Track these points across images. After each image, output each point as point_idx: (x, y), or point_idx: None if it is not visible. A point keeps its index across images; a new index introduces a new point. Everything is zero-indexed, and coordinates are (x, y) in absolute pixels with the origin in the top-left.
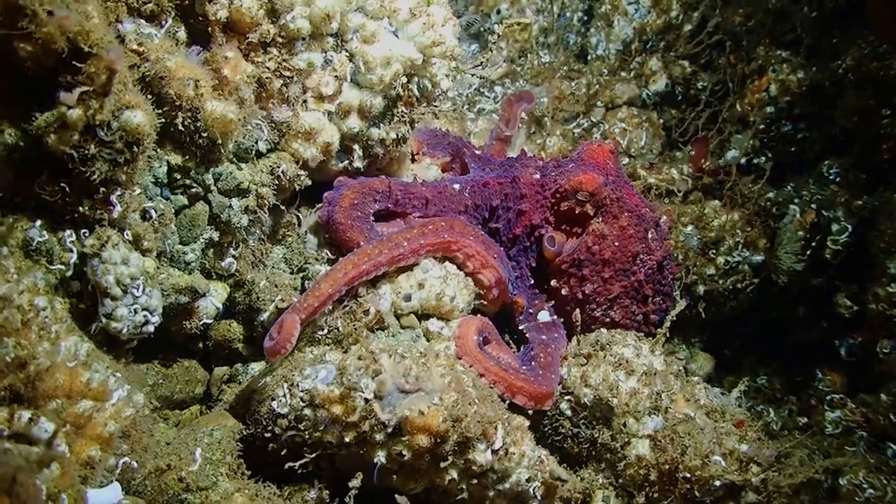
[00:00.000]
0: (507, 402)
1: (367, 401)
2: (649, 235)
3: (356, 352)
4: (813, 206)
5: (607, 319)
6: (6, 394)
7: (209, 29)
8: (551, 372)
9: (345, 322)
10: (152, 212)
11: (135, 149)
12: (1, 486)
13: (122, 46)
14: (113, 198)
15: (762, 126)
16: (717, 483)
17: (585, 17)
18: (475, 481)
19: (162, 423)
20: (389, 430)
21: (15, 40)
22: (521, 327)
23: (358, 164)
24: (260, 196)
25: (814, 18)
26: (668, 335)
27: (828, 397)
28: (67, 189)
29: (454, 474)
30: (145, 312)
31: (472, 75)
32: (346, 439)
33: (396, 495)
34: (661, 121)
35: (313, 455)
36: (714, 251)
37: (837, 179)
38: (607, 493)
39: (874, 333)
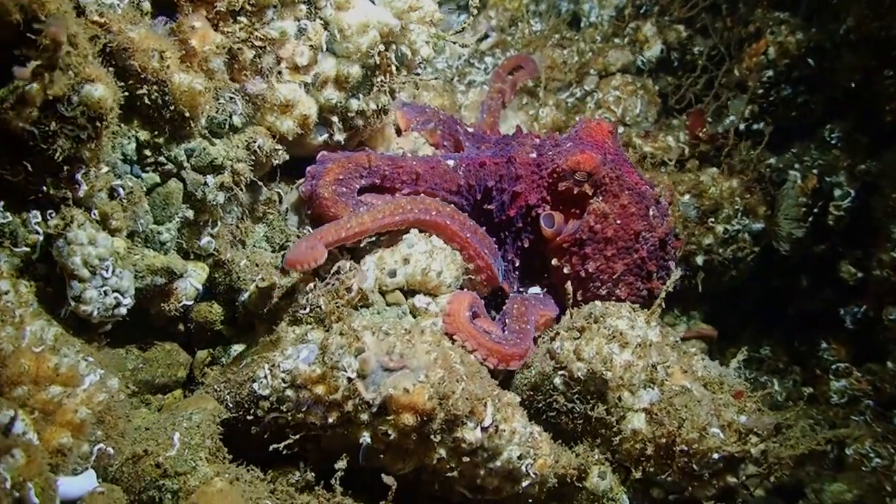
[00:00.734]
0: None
1: (350, 380)
2: (650, 213)
3: (338, 330)
4: (814, 171)
5: (612, 297)
6: None
7: None
8: (522, 333)
9: (327, 300)
10: (120, 190)
11: (98, 124)
12: None
13: (73, 17)
14: (78, 176)
15: (761, 91)
16: (716, 456)
17: None
18: (465, 460)
19: (143, 407)
20: (374, 409)
21: None
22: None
23: (338, 136)
24: (236, 172)
25: None
26: (663, 306)
27: (833, 366)
28: (30, 168)
29: (443, 453)
30: (116, 294)
31: (455, 43)
32: (330, 420)
33: (383, 475)
34: (657, 88)
35: (297, 437)
36: (713, 220)
37: (839, 144)
38: (603, 468)
39: (879, 300)
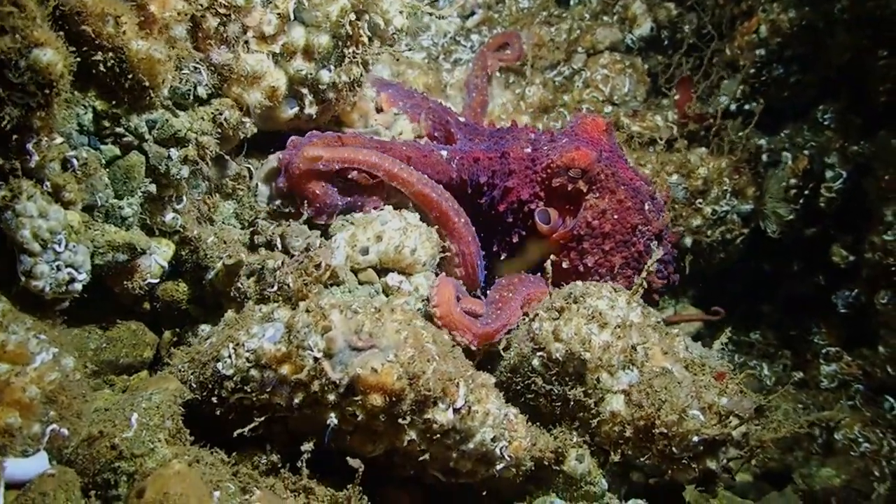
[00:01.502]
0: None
1: (316, 360)
2: (646, 207)
3: (305, 308)
4: (806, 152)
5: None
6: None
7: None
8: (500, 311)
9: (295, 278)
10: (74, 161)
11: (48, 91)
12: None
13: None
14: (28, 146)
15: (752, 70)
16: (695, 439)
17: None
18: (437, 442)
19: (107, 388)
20: (341, 390)
21: None
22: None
23: (309, 110)
24: (201, 146)
25: None
26: (645, 286)
27: (823, 351)
28: None
29: (413, 435)
30: (70, 269)
31: (431, 14)
32: (296, 401)
33: (349, 458)
34: (646, 67)
35: (262, 419)
36: (701, 201)
37: (832, 124)
38: (581, 451)
39: (871, 284)
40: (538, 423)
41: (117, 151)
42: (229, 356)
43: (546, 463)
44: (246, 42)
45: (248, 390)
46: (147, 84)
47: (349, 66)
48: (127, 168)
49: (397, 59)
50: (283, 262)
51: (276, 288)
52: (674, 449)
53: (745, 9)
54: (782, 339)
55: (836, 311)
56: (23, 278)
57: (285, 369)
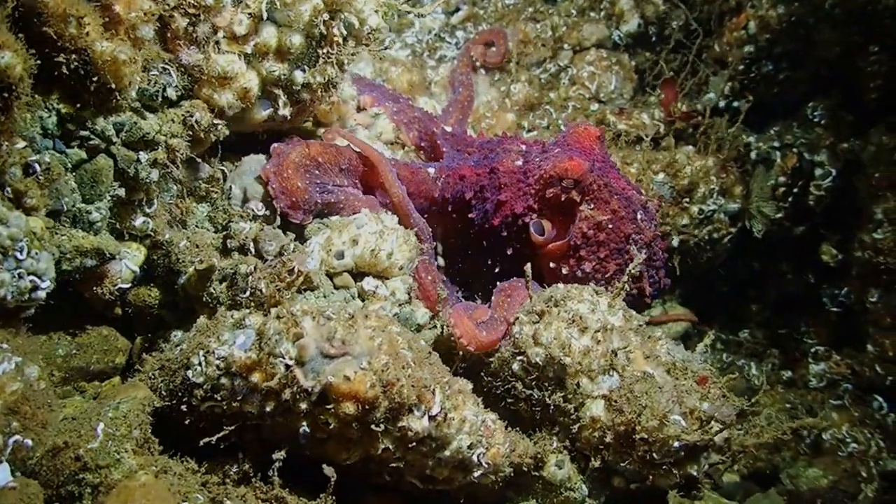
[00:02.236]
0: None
1: (287, 367)
2: (639, 216)
3: (276, 314)
4: (795, 149)
5: None
6: None
7: None
8: (499, 321)
9: (268, 283)
10: (36, 166)
11: (6, 95)
12: None
13: None
14: None
15: (741, 67)
16: (676, 444)
17: None
18: (412, 450)
19: (77, 395)
20: (313, 398)
21: None
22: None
23: (284, 111)
24: (171, 148)
25: None
26: (628, 289)
27: (812, 350)
28: None
29: (388, 443)
30: (32, 277)
31: (409, 13)
32: (268, 409)
33: (324, 465)
34: (634, 63)
35: (232, 427)
36: (687, 200)
37: (822, 121)
38: (561, 457)
39: (860, 282)
40: (518, 429)
41: (84, 155)
42: (199, 364)
43: (525, 469)
44: (217, 42)
45: (219, 399)
46: (113, 86)
47: (324, 66)
48: (94, 172)
49: (381, 58)
50: (255, 267)
51: (248, 293)
52: (654, 454)
53: (733, 4)
54: (771, 338)
55: (825, 309)
56: None
57: (256, 377)
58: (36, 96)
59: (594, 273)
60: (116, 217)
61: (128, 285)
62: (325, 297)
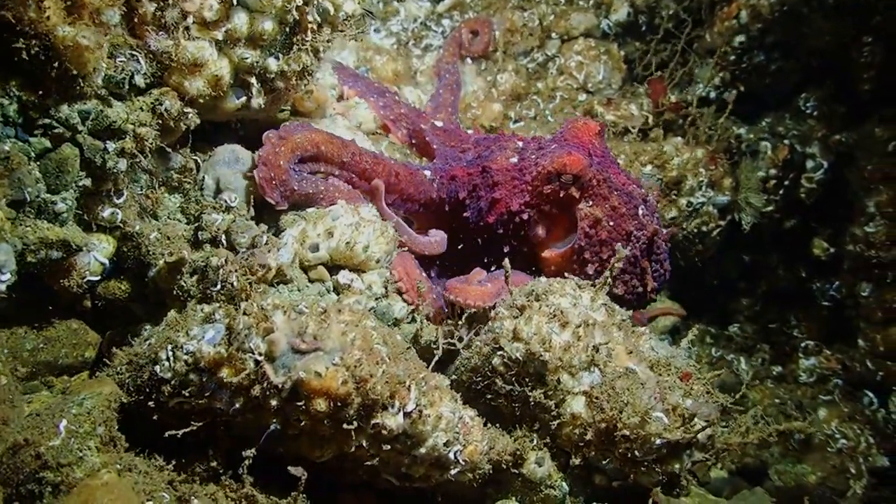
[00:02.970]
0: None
1: (257, 363)
2: (640, 212)
3: (245, 308)
4: (786, 141)
5: (610, 295)
6: None
7: None
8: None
9: (239, 276)
10: None
11: None
12: None
13: None
14: None
15: (733, 57)
16: (658, 442)
17: None
18: (387, 447)
19: (45, 390)
20: (284, 394)
21: None
22: None
23: (258, 100)
24: (139, 137)
25: None
26: (612, 282)
27: (802, 344)
28: None
29: (362, 440)
30: None
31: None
32: (237, 405)
33: (289, 467)
34: (623, 53)
35: (200, 424)
36: (675, 192)
37: (815, 113)
38: (541, 454)
39: (852, 276)
40: (498, 425)
41: (48, 144)
42: (167, 359)
43: (505, 466)
44: (186, 28)
45: (187, 395)
46: (76, 72)
47: (298, 53)
48: (59, 161)
49: (366, 47)
50: (227, 260)
51: (219, 287)
52: (636, 452)
53: None
54: (761, 332)
55: (816, 304)
56: None
57: (224, 373)
58: None
59: (597, 276)
60: (84, 208)
61: (97, 278)
62: (299, 290)
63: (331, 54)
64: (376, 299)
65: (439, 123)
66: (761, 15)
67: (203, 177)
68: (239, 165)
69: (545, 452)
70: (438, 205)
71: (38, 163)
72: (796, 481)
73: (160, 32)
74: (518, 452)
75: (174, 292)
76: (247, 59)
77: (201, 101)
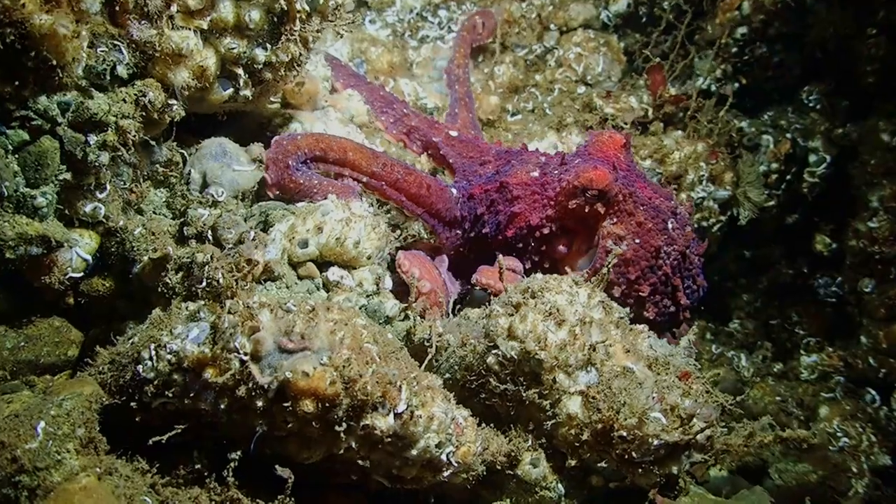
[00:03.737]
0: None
1: (242, 363)
2: (669, 226)
3: (231, 307)
4: (789, 135)
5: (641, 319)
6: None
7: None
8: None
9: (225, 273)
10: None
11: None
12: None
13: None
14: None
15: (734, 49)
16: (656, 442)
17: None
18: (377, 449)
19: (26, 390)
20: (270, 395)
21: None
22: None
23: (245, 91)
24: (122, 130)
25: None
26: (608, 279)
27: (804, 341)
28: None
29: (352, 442)
30: None
31: None
32: (222, 406)
33: (278, 468)
34: (623, 45)
35: (183, 426)
36: (676, 187)
37: (818, 106)
38: (536, 455)
39: (854, 272)
40: (493, 425)
41: (26, 136)
42: (150, 358)
43: (499, 467)
44: (170, 17)
45: (171, 395)
46: (54, 62)
47: (286, 43)
48: (38, 154)
49: (361, 39)
50: (213, 256)
51: (204, 284)
52: (633, 453)
53: None
54: (762, 329)
55: (818, 300)
56: None
57: (209, 373)
58: None
59: (624, 298)
60: (65, 203)
61: (80, 275)
62: (287, 287)
63: (324, 46)
64: (367, 297)
65: (454, 133)
66: (764, 6)
67: (189, 170)
68: (226, 159)
69: (540, 453)
70: (461, 223)
71: (17, 156)
72: (797, 480)
73: (143, 21)
74: (513, 453)
75: (159, 290)
76: (233, 49)
77: (186, 92)
